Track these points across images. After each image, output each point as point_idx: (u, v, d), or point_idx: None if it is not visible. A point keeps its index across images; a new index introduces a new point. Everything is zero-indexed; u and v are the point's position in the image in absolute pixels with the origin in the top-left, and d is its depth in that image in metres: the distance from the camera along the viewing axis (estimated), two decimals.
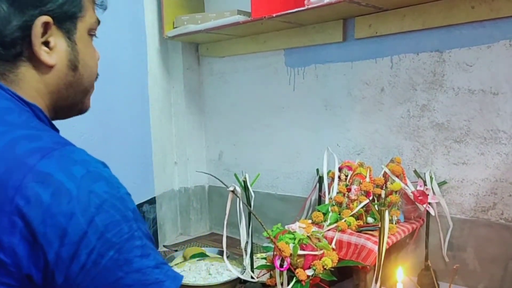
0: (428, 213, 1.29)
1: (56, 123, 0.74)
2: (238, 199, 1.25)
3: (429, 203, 1.27)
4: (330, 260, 1.13)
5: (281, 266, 1.12)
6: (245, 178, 1.32)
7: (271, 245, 1.22)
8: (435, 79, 1.34)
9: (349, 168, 1.42)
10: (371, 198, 1.32)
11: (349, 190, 1.36)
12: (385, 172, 1.35)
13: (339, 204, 1.34)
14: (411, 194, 1.30)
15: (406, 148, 1.43)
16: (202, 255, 1.56)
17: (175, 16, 1.79)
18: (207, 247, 1.72)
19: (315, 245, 1.15)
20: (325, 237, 1.23)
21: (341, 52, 1.54)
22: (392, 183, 1.32)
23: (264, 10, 1.46)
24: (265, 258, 1.29)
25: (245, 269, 1.32)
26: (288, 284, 1.12)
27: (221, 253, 1.54)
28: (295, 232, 1.17)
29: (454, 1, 1.25)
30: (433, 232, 1.33)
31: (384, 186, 1.34)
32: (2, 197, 0.53)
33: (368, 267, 1.20)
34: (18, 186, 0.53)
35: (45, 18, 0.64)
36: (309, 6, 1.34)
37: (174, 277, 0.62)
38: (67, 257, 0.54)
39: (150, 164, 1.85)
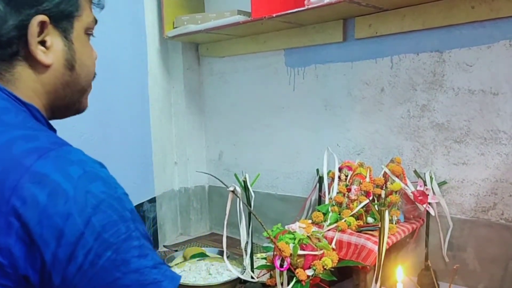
0: (428, 213, 1.29)
1: (57, 122, 0.74)
2: (238, 199, 1.25)
3: (429, 203, 1.27)
4: (330, 260, 1.13)
5: (281, 266, 1.12)
6: (245, 178, 1.32)
7: (271, 245, 1.22)
8: (435, 79, 1.34)
9: (349, 168, 1.42)
10: (371, 198, 1.32)
11: (349, 190, 1.36)
12: (385, 172, 1.35)
13: (339, 204, 1.34)
14: (411, 194, 1.30)
15: (406, 148, 1.43)
16: (202, 255, 1.56)
17: (175, 16, 1.79)
18: (207, 247, 1.72)
19: (315, 245, 1.15)
20: (325, 237, 1.23)
21: (341, 52, 1.54)
22: (392, 183, 1.32)
23: (264, 10, 1.46)
24: (265, 258, 1.29)
25: (245, 269, 1.32)
26: (288, 284, 1.12)
27: (221, 253, 1.54)
28: (295, 232, 1.17)
29: (454, 1, 1.25)
30: (433, 232, 1.33)
31: (384, 186, 1.34)
32: None
33: (368, 267, 1.20)
34: (15, 186, 0.53)
35: (42, 17, 0.63)
36: (309, 6, 1.34)
37: (172, 277, 0.62)
38: (64, 258, 0.53)
39: (150, 164, 1.85)
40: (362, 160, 1.47)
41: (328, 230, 1.27)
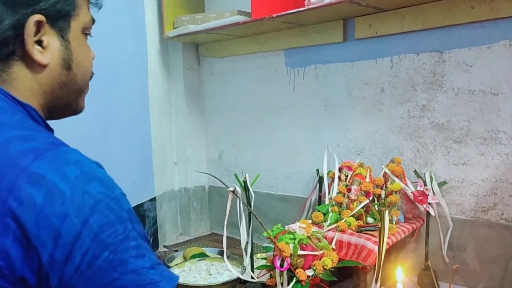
0: (428, 213, 1.29)
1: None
2: (238, 199, 1.25)
3: (429, 203, 1.27)
4: (330, 260, 1.13)
5: (281, 266, 1.12)
6: (245, 178, 1.32)
7: (271, 245, 1.22)
8: (435, 79, 1.35)
9: (349, 168, 1.42)
10: (371, 198, 1.32)
11: (349, 190, 1.36)
12: (385, 172, 1.35)
13: (339, 204, 1.35)
14: (411, 194, 1.30)
15: (406, 148, 1.43)
16: (202, 255, 1.56)
17: (175, 16, 1.79)
18: (207, 247, 1.72)
19: (315, 245, 1.15)
20: (325, 237, 1.23)
21: (341, 52, 1.54)
22: (392, 183, 1.32)
23: (264, 10, 1.46)
24: (265, 258, 1.29)
25: (245, 269, 1.32)
26: (288, 284, 1.12)
27: (221, 253, 1.54)
28: (295, 232, 1.17)
29: (454, 1, 1.26)
30: (433, 232, 1.33)
31: (384, 186, 1.34)
32: None
33: (368, 267, 1.20)
34: (11, 187, 0.53)
35: (38, 17, 0.63)
36: (309, 7, 1.34)
37: (169, 278, 0.61)
38: (61, 259, 0.53)
39: (150, 164, 1.85)
40: (362, 160, 1.47)
41: (328, 230, 1.27)
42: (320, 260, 1.13)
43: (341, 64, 1.55)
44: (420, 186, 1.29)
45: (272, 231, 1.22)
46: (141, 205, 1.76)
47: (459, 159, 1.32)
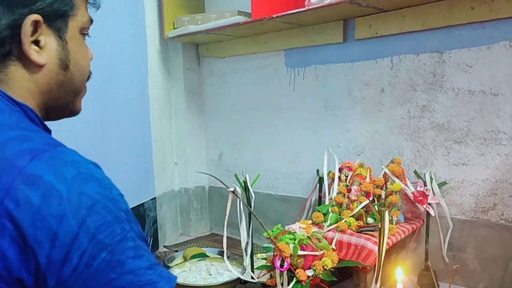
0: (428, 213, 1.29)
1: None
2: (238, 199, 1.25)
3: (429, 204, 1.27)
4: (330, 261, 1.13)
5: (281, 266, 1.13)
6: (245, 178, 1.32)
7: (271, 245, 1.22)
8: (435, 80, 1.35)
9: (349, 168, 1.42)
10: (371, 198, 1.32)
11: (349, 190, 1.36)
12: (385, 172, 1.35)
13: (339, 205, 1.35)
14: (411, 194, 1.30)
15: (406, 148, 1.43)
16: (203, 256, 1.56)
17: (175, 17, 1.79)
18: (207, 247, 1.72)
19: (315, 246, 1.15)
20: (325, 238, 1.23)
21: (341, 52, 1.54)
22: (392, 184, 1.32)
23: (264, 10, 1.46)
24: (265, 259, 1.29)
25: (245, 270, 1.32)
26: (288, 284, 1.12)
27: (221, 253, 1.54)
28: (295, 232, 1.17)
29: (453, 2, 1.26)
30: (433, 233, 1.33)
31: (384, 187, 1.34)
32: None
33: (368, 267, 1.20)
34: (8, 188, 0.52)
35: (35, 17, 0.63)
36: (310, 7, 1.34)
37: (168, 278, 0.61)
38: (59, 260, 0.53)
39: (150, 164, 1.85)
40: (362, 161, 1.47)
41: (328, 230, 1.27)
42: (320, 260, 1.13)
43: (341, 65, 1.55)
44: (420, 186, 1.29)
45: (272, 231, 1.22)
46: (141, 205, 1.76)
47: (459, 159, 1.33)
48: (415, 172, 1.36)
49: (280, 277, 1.14)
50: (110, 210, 0.57)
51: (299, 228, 1.21)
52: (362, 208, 1.31)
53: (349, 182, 1.39)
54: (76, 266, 0.53)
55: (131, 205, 1.68)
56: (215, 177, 1.40)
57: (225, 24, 1.59)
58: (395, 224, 1.30)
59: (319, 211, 1.35)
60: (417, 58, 1.38)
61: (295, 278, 1.11)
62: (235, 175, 1.35)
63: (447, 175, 1.35)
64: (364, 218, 1.32)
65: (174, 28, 1.79)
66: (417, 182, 1.32)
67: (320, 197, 1.55)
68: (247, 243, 1.32)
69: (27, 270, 0.53)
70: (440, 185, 1.34)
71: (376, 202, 1.33)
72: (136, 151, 1.77)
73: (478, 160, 1.29)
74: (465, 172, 1.32)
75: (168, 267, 1.45)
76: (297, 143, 1.72)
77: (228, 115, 1.95)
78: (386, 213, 1.04)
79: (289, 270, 1.12)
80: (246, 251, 1.32)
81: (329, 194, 1.42)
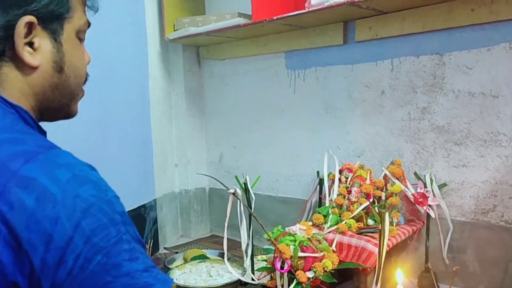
0: (428, 215, 1.29)
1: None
2: (238, 201, 1.25)
3: (429, 205, 1.28)
4: (330, 262, 1.13)
5: (282, 268, 1.13)
6: (246, 180, 1.32)
7: (271, 247, 1.22)
8: (436, 82, 1.35)
9: (350, 170, 1.42)
10: (371, 200, 1.32)
11: (349, 192, 1.36)
12: (385, 174, 1.35)
13: (340, 206, 1.35)
14: (411, 196, 1.30)
15: (407, 150, 1.43)
16: (203, 257, 1.55)
17: (175, 19, 1.79)
18: (207, 249, 1.72)
19: (316, 247, 1.16)
20: (326, 239, 1.24)
21: (342, 54, 1.55)
22: (392, 185, 1.32)
23: (264, 12, 1.46)
24: (265, 260, 1.29)
25: (246, 271, 1.32)
26: (289, 286, 1.12)
27: (221, 255, 1.54)
28: (295, 234, 1.18)
29: (454, 4, 1.26)
30: (433, 234, 1.33)
31: (384, 188, 1.34)
32: None
33: (368, 269, 1.20)
34: (1, 191, 0.52)
35: (29, 18, 0.62)
36: (310, 9, 1.35)
37: (164, 280, 0.60)
38: (53, 263, 0.52)
39: (151, 166, 1.85)
40: (363, 162, 1.47)
41: (329, 232, 1.27)
42: (320, 262, 1.13)
43: (342, 67, 1.55)
44: (420, 188, 1.29)
45: (273, 233, 1.22)
46: (142, 206, 1.77)
47: (459, 161, 1.33)
48: (415, 173, 1.36)
49: (281, 278, 1.14)
50: (105, 213, 0.56)
51: (300, 229, 1.21)
52: (362, 209, 1.31)
53: (349, 183, 1.39)
54: (71, 269, 0.53)
55: (132, 206, 1.69)
56: (216, 179, 1.40)
57: (226, 26, 1.59)
58: (395, 225, 1.30)
59: (320, 213, 1.36)
60: (417, 60, 1.38)
61: (295, 279, 1.11)
62: (236, 177, 1.35)
63: (447, 177, 1.35)
64: (365, 220, 1.32)
65: (175, 30, 1.79)
66: (417, 184, 1.32)
67: (320, 198, 1.55)
68: (248, 244, 1.32)
69: (22, 274, 0.52)
70: (440, 186, 1.34)
71: (376, 203, 1.33)
72: (136, 152, 1.77)
73: (478, 162, 1.29)
74: (465, 174, 1.32)
75: (169, 269, 1.45)
76: (298, 145, 1.72)
77: (228, 117, 1.95)
78: (387, 214, 1.04)
79: (289, 271, 1.12)
80: (246, 252, 1.32)
81: (329, 195, 1.42)
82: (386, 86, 1.45)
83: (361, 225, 1.30)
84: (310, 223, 1.32)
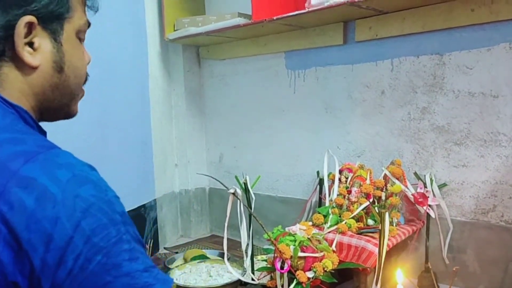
0: (428, 215, 1.29)
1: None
2: (238, 201, 1.25)
3: (429, 205, 1.28)
4: (330, 262, 1.13)
5: (282, 268, 1.13)
6: (246, 180, 1.32)
7: (271, 247, 1.22)
8: (436, 82, 1.35)
9: (350, 170, 1.42)
10: (371, 200, 1.32)
11: (349, 192, 1.36)
12: (385, 174, 1.35)
13: (340, 206, 1.35)
14: (411, 196, 1.30)
15: (407, 150, 1.43)
16: (203, 257, 1.55)
17: (176, 19, 1.79)
18: (207, 249, 1.72)
19: (316, 247, 1.16)
20: (326, 239, 1.24)
21: (342, 54, 1.55)
22: (392, 185, 1.32)
23: (264, 12, 1.46)
24: (265, 260, 1.29)
25: (246, 271, 1.32)
26: (289, 286, 1.12)
27: (221, 255, 1.54)
28: (295, 234, 1.18)
29: (454, 4, 1.26)
30: (433, 234, 1.33)
31: (384, 188, 1.34)
32: None
33: (368, 269, 1.20)
34: (1, 191, 0.52)
35: (29, 18, 0.62)
36: (310, 9, 1.35)
37: (164, 280, 0.60)
38: (53, 263, 0.52)
39: (151, 166, 1.85)
40: (363, 162, 1.47)
41: (329, 232, 1.27)
42: (320, 262, 1.13)
43: (342, 67, 1.55)
44: (420, 188, 1.29)
45: (273, 233, 1.22)
46: (142, 206, 1.77)
47: (459, 161, 1.33)
48: (415, 173, 1.36)
49: (281, 278, 1.14)
50: (105, 213, 0.56)
51: (300, 229, 1.21)
52: (362, 209, 1.31)
53: (349, 183, 1.39)
54: (71, 269, 0.53)
55: (132, 206, 1.69)
56: (216, 179, 1.40)
57: (226, 26, 1.60)
58: (395, 225, 1.30)
59: (320, 213, 1.36)
60: (417, 60, 1.38)
61: (295, 279, 1.11)
62: (236, 177, 1.35)
63: (447, 177, 1.35)
64: (365, 220, 1.32)
65: (175, 30, 1.79)
66: (417, 184, 1.32)
67: (320, 198, 1.55)
68: (248, 244, 1.32)
69: (22, 274, 0.52)
70: (440, 186, 1.34)
71: (376, 203, 1.33)
72: (136, 152, 1.77)
73: (478, 162, 1.29)
74: (465, 174, 1.32)
75: (169, 269, 1.45)
76: (298, 145, 1.72)
77: (228, 117, 1.95)
78: (387, 214, 1.04)
79: (289, 271, 1.12)
80: (246, 252, 1.32)
81: (329, 195, 1.42)
82: (386, 86, 1.45)
83: (361, 225, 1.30)
84: (310, 223, 1.32)
